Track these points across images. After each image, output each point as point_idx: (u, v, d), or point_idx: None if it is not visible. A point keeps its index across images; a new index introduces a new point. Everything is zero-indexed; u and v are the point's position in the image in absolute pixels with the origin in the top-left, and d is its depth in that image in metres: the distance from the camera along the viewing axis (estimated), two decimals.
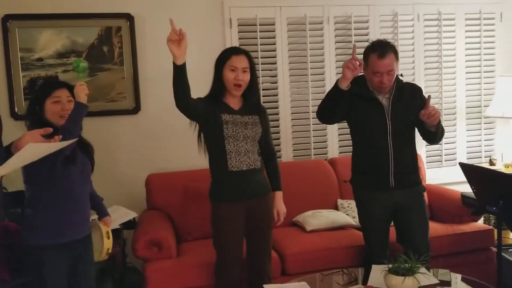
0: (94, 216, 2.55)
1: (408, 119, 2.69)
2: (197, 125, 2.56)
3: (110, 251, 2.45)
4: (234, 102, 2.53)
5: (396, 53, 2.67)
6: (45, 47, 3.49)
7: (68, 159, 2.21)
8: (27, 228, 2.25)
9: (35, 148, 1.73)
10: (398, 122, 2.67)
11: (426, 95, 2.68)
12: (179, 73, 2.25)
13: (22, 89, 3.47)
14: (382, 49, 2.61)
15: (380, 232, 2.77)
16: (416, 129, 2.78)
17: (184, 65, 2.25)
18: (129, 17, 3.59)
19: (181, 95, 2.30)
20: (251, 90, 2.52)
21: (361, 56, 2.69)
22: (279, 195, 2.66)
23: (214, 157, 2.54)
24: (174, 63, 2.24)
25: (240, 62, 2.45)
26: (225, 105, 2.51)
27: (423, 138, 2.79)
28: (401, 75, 2.84)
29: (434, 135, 2.66)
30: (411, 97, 2.72)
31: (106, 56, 3.60)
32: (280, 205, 2.65)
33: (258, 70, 3.76)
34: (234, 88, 2.46)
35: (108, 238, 2.41)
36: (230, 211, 2.49)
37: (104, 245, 2.42)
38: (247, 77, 2.48)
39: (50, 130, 1.82)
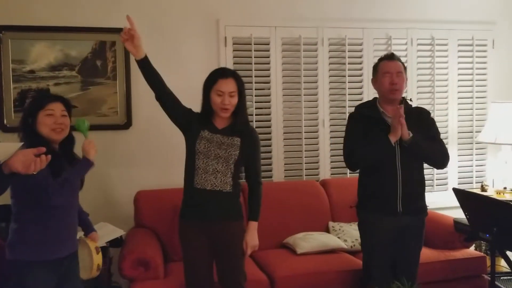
0: (80, 233, 2.48)
1: None
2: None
3: (100, 266, 2.38)
4: (221, 122, 2.49)
5: (403, 64, 2.75)
6: (38, 59, 3.46)
7: (55, 174, 2.15)
8: (11, 243, 2.18)
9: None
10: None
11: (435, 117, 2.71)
12: (143, 67, 2.40)
13: (12, 100, 3.42)
14: (391, 55, 2.75)
15: (383, 259, 2.71)
16: None
17: (145, 58, 2.39)
18: None
19: (155, 84, 2.43)
20: (238, 112, 2.48)
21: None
22: (252, 225, 2.51)
23: (185, 171, 2.51)
24: (136, 61, 2.39)
25: (227, 86, 2.41)
26: (211, 124, 2.49)
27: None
28: (410, 99, 2.85)
29: (419, 155, 2.65)
30: (417, 121, 2.71)
31: (99, 70, 3.57)
32: (250, 236, 2.49)
33: (251, 89, 3.79)
34: (221, 111, 2.44)
35: (97, 253, 2.35)
36: (190, 229, 2.46)
37: (94, 261, 2.35)
38: (234, 100, 2.44)
39: (43, 149, 1.76)
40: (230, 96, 2.41)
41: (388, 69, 2.67)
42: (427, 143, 2.65)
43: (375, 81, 2.76)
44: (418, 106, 2.93)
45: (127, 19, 2.31)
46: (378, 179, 2.67)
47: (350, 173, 3.85)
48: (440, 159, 2.73)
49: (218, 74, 2.46)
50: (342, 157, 2.88)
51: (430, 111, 4.03)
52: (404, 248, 2.72)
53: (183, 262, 2.53)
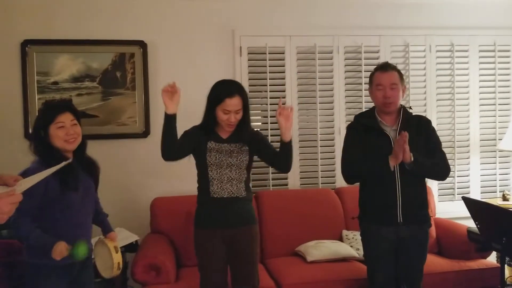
0: (100, 235, 2.56)
1: (415, 150, 2.63)
2: None
3: (121, 265, 2.41)
4: (225, 132, 2.55)
5: (400, 73, 2.68)
6: (61, 71, 3.63)
7: (68, 186, 2.23)
8: (27, 246, 2.28)
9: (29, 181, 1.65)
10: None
11: (436, 127, 2.65)
12: (169, 122, 2.40)
13: (37, 111, 3.58)
14: (384, 65, 2.69)
15: (386, 269, 2.69)
16: None
17: (174, 116, 2.39)
18: (142, 44, 3.70)
19: (168, 147, 2.43)
20: (243, 124, 2.53)
21: None
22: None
23: (199, 183, 2.59)
24: (165, 113, 2.39)
25: (234, 105, 2.44)
26: (215, 135, 2.55)
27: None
28: (410, 107, 2.82)
29: (420, 174, 2.62)
30: (416, 131, 2.66)
31: (119, 81, 3.71)
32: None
33: (266, 98, 3.84)
34: (226, 126, 2.50)
35: (117, 252, 2.36)
36: (209, 238, 2.51)
37: (114, 260, 2.35)
38: (240, 116, 2.49)
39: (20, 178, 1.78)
40: (236, 113, 2.46)
41: (381, 81, 2.62)
42: (428, 161, 2.59)
43: (371, 92, 2.73)
44: (418, 114, 2.86)
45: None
46: (377, 190, 2.64)
47: None
48: (441, 174, 2.69)
49: (225, 94, 2.45)
50: None
51: (451, 118, 4.07)
52: (407, 259, 2.67)
53: (198, 270, 2.58)
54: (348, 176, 2.72)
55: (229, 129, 2.51)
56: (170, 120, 2.41)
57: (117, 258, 2.36)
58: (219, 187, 2.49)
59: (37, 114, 3.51)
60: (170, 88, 2.38)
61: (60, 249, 2.11)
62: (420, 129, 2.68)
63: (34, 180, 1.69)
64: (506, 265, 3.24)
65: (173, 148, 2.45)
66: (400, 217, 2.61)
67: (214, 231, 2.51)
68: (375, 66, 2.77)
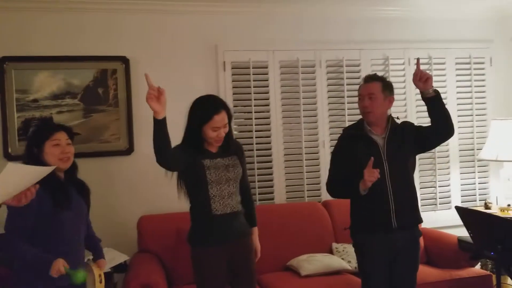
0: (90, 256, 2.49)
1: (404, 157, 2.70)
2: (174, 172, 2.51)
3: None
4: (213, 146, 2.50)
5: (384, 83, 2.72)
6: (41, 88, 3.52)
7: (61, 204, 2.18)
8: (17, 272, 2.20)
9: (17, 169, 1.64)
10: (394, 161, 2.67)
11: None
12: (160, 127, 2.19)
13: (16, 129, 3.47)
14: (369, 76, 2.77)
15: (380, 279, 2.68)
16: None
17: (164, 119, 2.20)
18: (124, 60, 3.65)
19: (162, 149, 2.23)
20: (229, 135, 2.51)
21: None
22: (256, 231, 2.66)
23: (197, 201, 2.49)
24: (154, 118, 2.18)
25: (222, 120, 2.40)
26: (205, 150, 2.48)
27: (434, 131, 2.72)
28: (397, 118, 2.87)
29: (439, 109, 2.63)
30: (404, 133, 2.73)
31: (101, 97, 3.63)
32: (256, 241, 2.65)
33: (251, 112, 3.84)
34: (215, 142, 2.46)
35: (100, 282, 2.33)
36: (214, 256, 2.43)
37: None
38: (227, 129, 2.46)
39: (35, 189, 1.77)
40: (224, 127, 2.43)
41: (361, 91, 2.72)
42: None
43: (359, 105, 2.79)
44: (403, 121, 2.93)
45: (146, 78, 2.19)
46: (369, 198, 2.66)
47: None
48: (451, 122, 2.71)
49: (212, 111, 2.39)
50: None
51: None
52: (399, 270, 2.69)
53: None
54: (329, 191, 2.83)
55: (217, 144, 2.48)
56: (161, 125, 2.19)
57: None
58: (221, 203, 2.43)
59: (16, 132, 3.45)
60: (155, 93, 2.16)
61: (58, 267, 2.05)
62: (406, 130, 2.75)
63: (22, 170, 1.65)
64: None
65: (167, 148, 2.24)
66: (394, 222, 2.63)
67: (218, 248, 2.44)
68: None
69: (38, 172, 1.72)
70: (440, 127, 2.71)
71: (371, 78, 2.75)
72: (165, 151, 2.24)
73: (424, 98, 2.65)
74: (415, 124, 2.91)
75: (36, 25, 3.53)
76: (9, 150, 3.44)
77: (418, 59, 2.65)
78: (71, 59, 3.56)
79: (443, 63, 4.27)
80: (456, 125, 4.21)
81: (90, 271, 2.35)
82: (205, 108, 2.42)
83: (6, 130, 3.44)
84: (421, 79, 2.57)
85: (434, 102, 2.64)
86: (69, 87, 3.57)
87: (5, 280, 2.56)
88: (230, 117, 2.48)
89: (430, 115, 2.70)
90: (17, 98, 3.47)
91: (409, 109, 4.18)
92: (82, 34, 3.60)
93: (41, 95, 3.52)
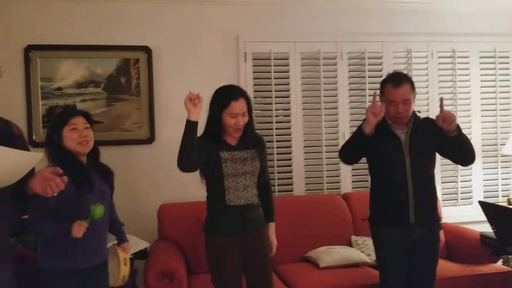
0: (114, 241, 2.53)
1: (426, 152, 2.66)
2: None
3: (126, 278, 2.39)
4: (232, 138, 2.49)
5: (411, 84, 2.67)
6: (65, 77, 3.58)
7: (83, 188, 2.21)
8: (42, 252, 2.25)
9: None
10: (416, 156, 2.64)
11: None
12: (191, 129, 2.23)
13: (41, 117, 3.54)
14: (397, 79, 2.64)
15: (398, 272, 2.67)
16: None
17: (196, 123, 2.24)
18: (147, 50, 3.67)
19: (188, 156, 2.25)
20: (249, 128, 2.49)
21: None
22: (272, 226, 2.61)
23: (212, 191, 2.50)
24: (187, 120, 2.23)
25: (240, 107, 2.40)
26: (224, 143, 2.47)
27: (455, 158, 2.70)
28: (419, 111, 2.83)
29: (460, 144, 2.56)
30: (428, 129, 2.69)
31: (123, 87, 3.67)
32: (274, 236, 2.61)
33: (271, 104, 3.83)
34: (234, 131, 2.44)
35: (125, 265, 2.36)
36: (225, 246, 2.43)
37: (121, 272, 2.35)
38: (246, 119, 2.45)
39: (60, 171, 1.79)
40: (243, 116, 2.43)
41: (393, 98, 2.60)
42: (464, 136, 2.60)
43: (382, 100, 2.69)
44: (425, 117, 2.88)
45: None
46: (389, 191, 2.65)
47: None
48: (469, 149, 2.63)
49: (230, 96, 2.41)
50: (363, 170, 2.89)
51: None
52: (419, 262, 2.67)
53: (213, 280, 2.49)
54: (341, 155, 2.77)
55: (236, 134, 2.46)
56: (193, 127, 2.24)
57: (124, 271, 2.36)
58: (236, 195, 2.43)
59: (41, 119, 3.51)
60: (195, 97, 2.24)
61: (79, 224, 2.09)
62: (431, 127, 2.67)
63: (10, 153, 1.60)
64: None
65: (192, 157, 2.28)
66: (412, 217, 2.61)
67: (231, 239, 2.44)
68: (387, 75, 2.75)
69: (22, 159, 1.66)
70: (461, 159, 2.71)
71: (401, 80, 2.63)
72: (191, 159, 2.26)
73: (446, 136, 2.55)
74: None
75: (62, 15, 3.58)
76: (34, 137, 3.51)
77: (441, 99, 2.53)
78: (95, 48, 3.60)
79: (467, 57, 4.20)
80: (479, 119, 4.21)
81: (115, 254, 2.39)
82: (224, 94, 2.45)
83: (31, 118, 3.51)
84: (445, 121, 2.47)
85: (456, 141, 2.55)
86: (93, 75, 3.61)
87: (29, 261, 2.61)
88: (250, 109, 2.47)
89: (450, 149, 2.62)
90: (41, 86, 3.53)
91: (431, 103, 4.12)
92: (106, 24, 3.64)
93: (65, 83, 3.57)
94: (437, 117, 2.50)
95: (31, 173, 1.81)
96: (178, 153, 2.27)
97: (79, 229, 2.08)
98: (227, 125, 2.43)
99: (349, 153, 2.72)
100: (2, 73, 1.87)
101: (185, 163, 2.27)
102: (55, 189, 1.73)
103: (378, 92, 2.63)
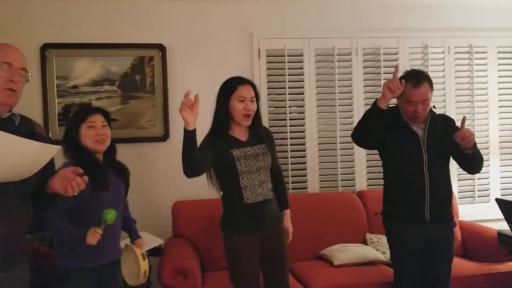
0: (127, 240, 2.55)
1: (443, 149, 2.63)
2: None
3: (147, 273, 2.39)
4: (241, 133, 2.48)
5: (430, 82, 2.64)
6: (80, 75, 3.61)
7: (99, 186, 2.23)
8: (57, 249, 2.29)
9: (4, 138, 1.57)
10: (434, 152, 2.62)
11: (459, 125, 2.60)
12: (190, 139, 2.18)
13: (57, 115, 3.57)
14: (417, 78, 2.59)
15: (413, 270, 2.65)
16: (453, 160, 2.69)
17: (194, 130, 2.17)
18: (161, 48, 3.69)
19: (190, 164, 2.24)
20: (256, 119, 2.49)
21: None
22: (288, 213, 2.63)
23: (227, 190, 2.50)
24: (184, 129, 2.17)
25: (248, 91, 2.41)
26: (233, 139, 2.45)
27: (462, 166, 2.69)
28: (434, 107, 2.80)
29: (471, 159, 2.55)
30: (444, 127, 2.67)
31: (138, 84, 3.69)
32: (288, 223, 2.62)
33: (285, 101, 3.82)
34: (243, 118, 2.42)
35: (144, 260, 2.36)
36: (245, 243, 2.43)
37: (141, 268, 2.35)
38: (254, 106, 2.44)
39: (81, 170, 1.80)
40: (251, 101, 2.42)
41: (413, 98, 2.57)
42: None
43: (398, 98, 2.66)
44: (441, 113, 2.84)
45: (186, 95, 2.14)
46: (405, 187, 2.62)
47: None
48: (479, 163, 2.63)
49: (237, 81, 2.43)
50: (378, 167, 2.85)
51: (470, 120, 4.05)
52: (433, 260, 2.64)
53: (232, 276, 2.48)
54: (354, 136, 2.71)
55: (246, 122, 2.43)
56: (191, 136, 2.18)
57: (144, 265, 2.35)
58: (253, 192, 2.43)
59: (57, 117, 3.55)
60: (189, 104, 2.11)
61: (93, 231, 2.11)
62: (447, 126, 2.67)
63: (10, 140, 1.58)
64: None
65: (195, 164, 2.28)
66: (427, 215, 2.59)
67: (250, 236, 2.43)
68: (404, 74, 2.68)
69: (40, 150, 1.65)
70: (467, 169, 2.71)
71: (420, 80, 2.58)
72: (193, 166, 2.27)
73: (460, 149, 2.52)
74: (455, 119, 2.80)
75: (77, 13, 3.61)
76: (50, 135, 3.54)
77: (464, 118, 2.46)
78: (110, 46, 3.62)
79: (485, 52, 4.13)
80: (496, 116, 4.14)
81: (131, 252, 2.40)
82: (229, 82, 2.47)
83: (47, 115, 3.55)
84: (464, 140, 2.43)
85: (468, 156, 2.54)
86: (108, 74, 3.64)
87: (44, 258, 2.65)
88: (257, 97, 2.47)
89: (460, 159, 2.61)
90: (57, 84, 3.57)
91: (448, 99, 4.07)
92: (121, 22, 3.66)
93: (81, 81, 3.61)
94: (457, 134, 2.46)
95: (53, 172, 1.84)
96: (182, 161, 2.25)
97: (93, 237, 2.10)
98: (236, 112, 2.40)
99: (360, 130, 2.65)
100: (29, 78, 1.89)
101: (189, 170, 2.28)
102: (76, 188, 1.75)
103: (399, 67, 2.57)
